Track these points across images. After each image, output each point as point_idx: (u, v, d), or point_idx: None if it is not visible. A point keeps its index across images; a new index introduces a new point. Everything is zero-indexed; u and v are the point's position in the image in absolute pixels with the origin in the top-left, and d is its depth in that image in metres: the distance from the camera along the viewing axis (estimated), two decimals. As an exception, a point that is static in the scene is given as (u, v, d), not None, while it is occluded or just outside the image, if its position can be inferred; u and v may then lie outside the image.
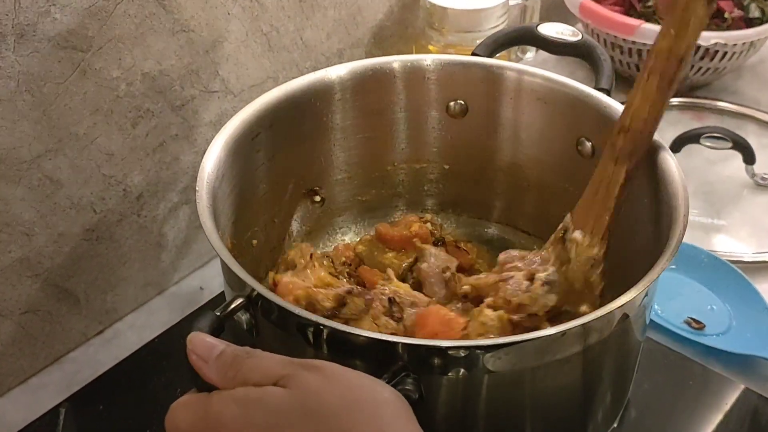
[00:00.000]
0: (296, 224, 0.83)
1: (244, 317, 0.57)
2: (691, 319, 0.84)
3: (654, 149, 0.68)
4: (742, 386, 0.77)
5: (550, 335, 0.54)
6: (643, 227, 0.68)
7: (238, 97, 0.89)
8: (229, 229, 0.69)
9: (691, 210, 0.63)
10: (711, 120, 1.16)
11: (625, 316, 0.60)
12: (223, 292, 0.69)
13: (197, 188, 0.63)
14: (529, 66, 0.79)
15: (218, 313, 0.54)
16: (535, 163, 0.81)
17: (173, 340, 0.82)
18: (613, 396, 0.68)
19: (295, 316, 0.54)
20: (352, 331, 0.52)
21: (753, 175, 1.03)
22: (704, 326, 0.84)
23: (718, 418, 0.75)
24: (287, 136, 0.77)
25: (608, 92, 0.76)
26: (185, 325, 0.78)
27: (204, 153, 0.68)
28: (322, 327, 0.53)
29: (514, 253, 0.71)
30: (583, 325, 0.55)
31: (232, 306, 0.55)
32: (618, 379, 0.68)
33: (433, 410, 0.56)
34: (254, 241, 0.77)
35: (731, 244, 0.96)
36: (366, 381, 0.46)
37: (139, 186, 0.83)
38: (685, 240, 0.60)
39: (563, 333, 0.54)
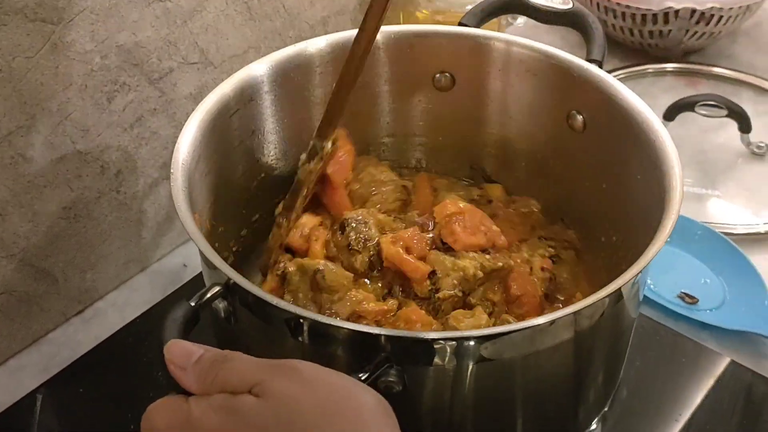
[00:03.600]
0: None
1: (221, 305, 0.55)
2: (684, 293, 0.83)
3: (647, 123, 0.66)
4: (728, 359, 0.76)
5: (539, 324, 0.52)
6: (638, 204, 0.66)
7: (219, 69, 0.86)
8: (207, 212, 0.67)
9: (686, 180, 0.61)
10: (706, 86, 1.13)
11: (619, 297, 0.58)
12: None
13: (172, 170, 0.61)
14: (518, 36, 0.76)
15: (192, 303, 0.52)
16: (524, 136, 0.79)
17: (156, 319, 0.80)
18: (605, 378, 0.67)
19: (272, 307, 0.52)
20: (332, 323, 0.51)
21: (748, 144, 1.01)
22: (698, 301, 0.82)
23: (704, 390, 0.74)
24: (267, 113, 0.74)
25: (600, 64, 0.74)
26: (167, 305, 0.76)
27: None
28: (301, 318, 0.51)
29: None
30: (575, 312, 0.53)
31: (209, 295, 0.54)
32: (610, 361, 0.66)
33: (419, 402, 0.54)
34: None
35: (726, 214, 0.94)
36: (345, 383, 0.45)
37: (117, 162, 0.80)
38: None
39: (552, 322, 0.52)
